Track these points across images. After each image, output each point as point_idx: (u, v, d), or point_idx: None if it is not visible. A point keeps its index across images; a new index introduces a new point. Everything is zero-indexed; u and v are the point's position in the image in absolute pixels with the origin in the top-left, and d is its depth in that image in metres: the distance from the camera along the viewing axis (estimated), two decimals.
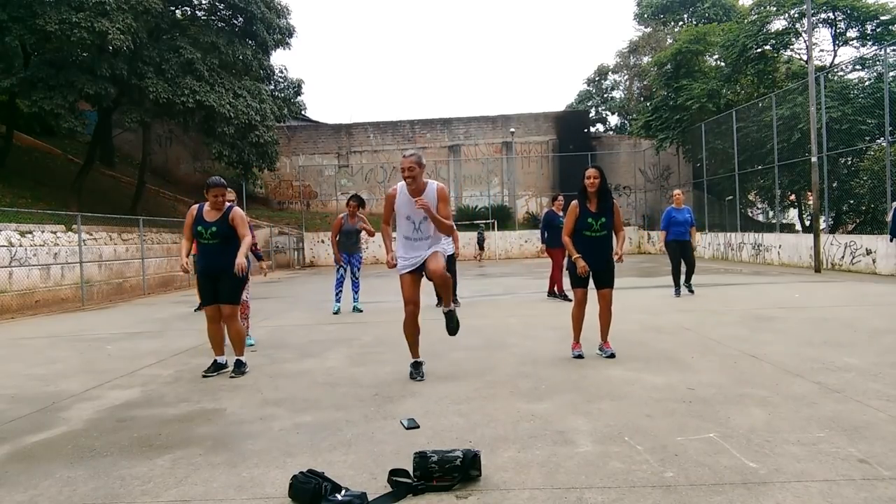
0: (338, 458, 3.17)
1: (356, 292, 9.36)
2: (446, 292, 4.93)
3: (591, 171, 5.26)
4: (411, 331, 4.91)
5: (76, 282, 12.68)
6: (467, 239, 26.33)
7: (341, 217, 9.15)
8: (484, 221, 28.12)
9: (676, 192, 10.48)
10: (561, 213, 9.35)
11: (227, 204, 5.27)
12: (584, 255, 5.24)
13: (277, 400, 4.37)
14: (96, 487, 2.91)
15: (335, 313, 9.07)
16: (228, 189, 6.34)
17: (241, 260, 5.06)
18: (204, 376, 5.18)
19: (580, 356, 5.35)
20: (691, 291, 10.02)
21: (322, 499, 2.59)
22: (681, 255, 10.04)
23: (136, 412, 4.19)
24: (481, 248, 26.03)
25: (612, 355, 5.31)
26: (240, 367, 5.28)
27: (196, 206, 5.33)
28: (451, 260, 5.02)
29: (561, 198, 9.86)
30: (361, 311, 9.17)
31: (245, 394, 4.59)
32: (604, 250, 5.32)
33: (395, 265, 4.80)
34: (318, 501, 2.59)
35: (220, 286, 5.19)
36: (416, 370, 4.90)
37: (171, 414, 4.12)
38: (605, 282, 5.38)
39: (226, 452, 3.32)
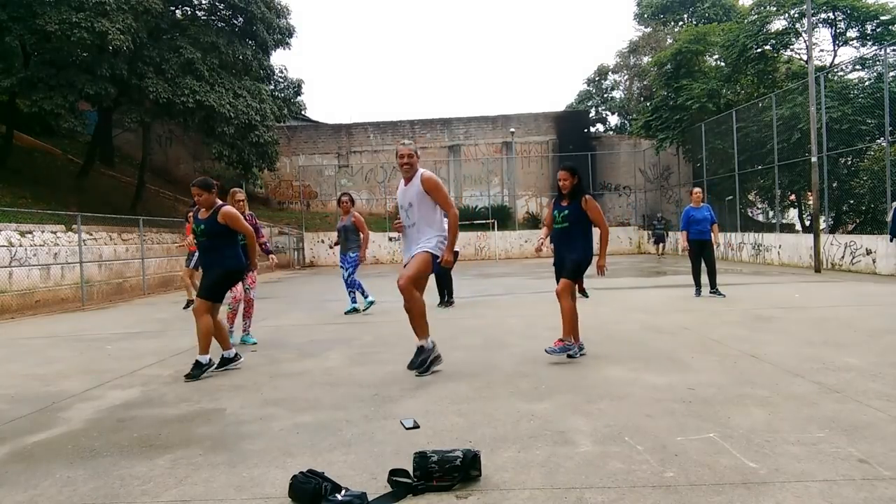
0: (338, 458, 3.17)
1: (352, 293, 9.28)
2: (414, 321, 4.93)
3: (561, 174, 5.45)
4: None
5: (76, 282, 12.67)
6: (467, 239, 26.36)
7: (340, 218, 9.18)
8: (483, 220, 28.14)
9: (696, 189, 10.25)
10: None
11: (217, 202, 5.34)
12: (555, 245, 5.60)
13: (277, 400, 4.37)
14: (96, 487, 2.92)
15: (346, 313, 9.03)
16: (238, 189, 6.88)
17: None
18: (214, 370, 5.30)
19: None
20: (720, 295, 9.52)
21: (322, 499, 2.59)
22: (700, 255, 9.86)
23: (136, 412, 4.19)
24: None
25: (559, 352, 5.23)
26: (198, 368, 5.06)
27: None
28: (445, 264, 5.03)
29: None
30: (360, 312, 9.13)
31: (245, 394, 4.59)
32: (568, 243, 5.42)
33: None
34: (318, 501, 2.59)
35: (202, 280, 5.34)
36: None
37: (171, 414, 4.12)
38: (562, 273, 5.45)
39: (226, 452, 3.32)
